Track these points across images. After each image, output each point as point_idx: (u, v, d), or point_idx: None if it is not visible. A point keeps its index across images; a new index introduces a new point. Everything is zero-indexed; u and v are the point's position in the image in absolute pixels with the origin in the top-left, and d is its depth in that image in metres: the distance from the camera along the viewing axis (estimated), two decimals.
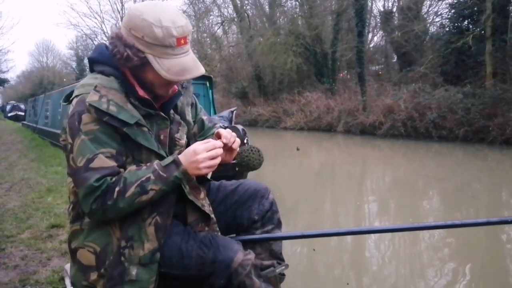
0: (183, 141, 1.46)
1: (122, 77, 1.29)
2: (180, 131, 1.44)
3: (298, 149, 12.47)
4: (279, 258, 1.59)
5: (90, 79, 1.30)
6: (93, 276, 1.26)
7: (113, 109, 1.21)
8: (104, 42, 1.44)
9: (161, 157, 1.30)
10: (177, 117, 1.45)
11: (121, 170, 1.23)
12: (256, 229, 1.57)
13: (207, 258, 1.28)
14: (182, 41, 1.22)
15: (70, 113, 1.23)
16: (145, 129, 1.27)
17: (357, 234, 1.76)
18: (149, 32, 1.19)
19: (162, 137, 1.35)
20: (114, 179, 1.20)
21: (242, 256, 1.31)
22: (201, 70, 1.27)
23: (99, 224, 1.26)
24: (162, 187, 1.22)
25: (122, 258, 1.23)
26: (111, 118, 1.21)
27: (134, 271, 1.22)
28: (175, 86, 1.40)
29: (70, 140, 1.22)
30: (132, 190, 1.19)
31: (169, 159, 1.26)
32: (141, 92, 1.30)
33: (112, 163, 1.20)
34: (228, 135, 1.39)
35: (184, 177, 1.26)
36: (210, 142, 1.29)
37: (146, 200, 1.21)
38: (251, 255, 1.35)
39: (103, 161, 1.19)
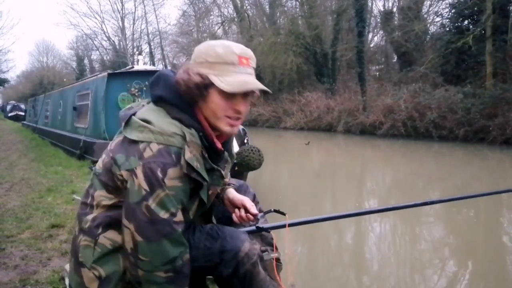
0: (227, 179, 1.47)
1: (202, 130, 1.26)
2: (226, 169, 1.43)
3: (307, 143, 12.64)
4: (270, 244, 1.62)
5: (169, 124, 1.22)
6: None
7: (197, 165, 1.21)
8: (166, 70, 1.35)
9: (203, 206, 1.34)
10: (226, 154, 1.41)
11: None
12: None
13: (214, 249, 1.31)
14: (244, 61, 1.22)
15: (149, 159, 1.16)
16: (206, 183, 1.28)
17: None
18: (211, 52, 1.21)
19: (211, 192, 1.35)
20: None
21: (249, 246, 1.34)
22: (262, 85, 1.25)
23: (112, 249, 1.24)
24: None
25: None
26: (198, 174, 1.22)
27: None
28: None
29: (145, 187, 1.16)
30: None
31: None
32: (219, 145, 1.31)
33: (182, 218, 1.23)
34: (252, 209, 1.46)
35: None
36: None
37: None
38: (257, 245, 1.38)
39: (181, 217, 1.21)
